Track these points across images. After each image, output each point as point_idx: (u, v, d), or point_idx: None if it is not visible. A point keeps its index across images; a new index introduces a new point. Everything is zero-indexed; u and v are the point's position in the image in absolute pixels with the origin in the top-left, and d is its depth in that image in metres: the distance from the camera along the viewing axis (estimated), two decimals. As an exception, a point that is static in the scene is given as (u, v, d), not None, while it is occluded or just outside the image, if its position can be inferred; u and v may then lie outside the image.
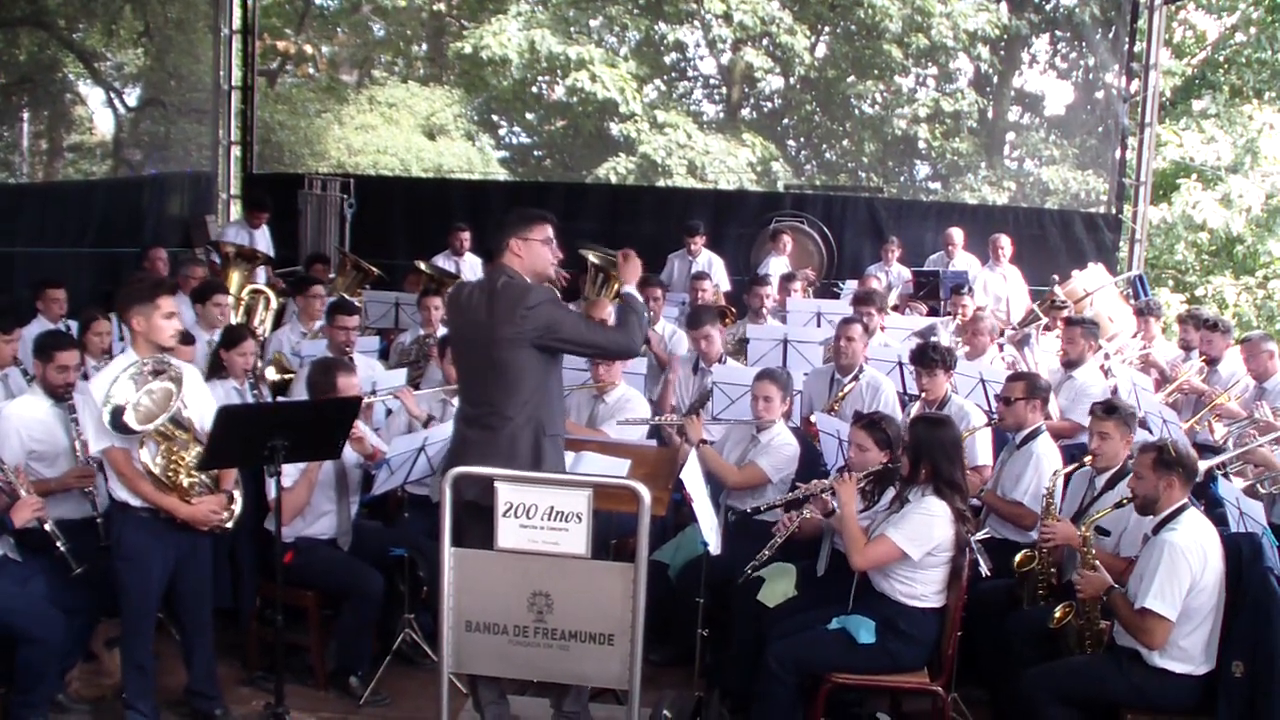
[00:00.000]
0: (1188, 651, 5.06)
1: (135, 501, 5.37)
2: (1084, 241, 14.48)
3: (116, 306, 6.08)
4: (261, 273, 11.22)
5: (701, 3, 21.40)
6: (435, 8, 24.13)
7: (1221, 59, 21.21)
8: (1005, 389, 6.80)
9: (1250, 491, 6.40)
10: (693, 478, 5.44)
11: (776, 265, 12.35)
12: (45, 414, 6.04)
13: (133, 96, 17.68)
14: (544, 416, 5.08)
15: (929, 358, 7.31)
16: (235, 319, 9.48)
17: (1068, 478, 6.15)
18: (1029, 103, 24.15)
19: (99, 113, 18.17)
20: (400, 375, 7.97)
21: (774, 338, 8.87)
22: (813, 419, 7.55)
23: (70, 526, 5.79)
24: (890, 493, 5.88)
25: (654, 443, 6.98)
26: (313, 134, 22.58)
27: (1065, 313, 10.30)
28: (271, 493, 5.53)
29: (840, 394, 7.89)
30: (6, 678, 5.49)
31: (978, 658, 5.91)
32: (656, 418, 7.47)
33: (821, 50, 23.40)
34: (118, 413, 5.13)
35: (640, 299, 5.49)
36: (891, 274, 12.61)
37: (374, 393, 7.36)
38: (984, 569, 5.63)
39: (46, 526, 5.58)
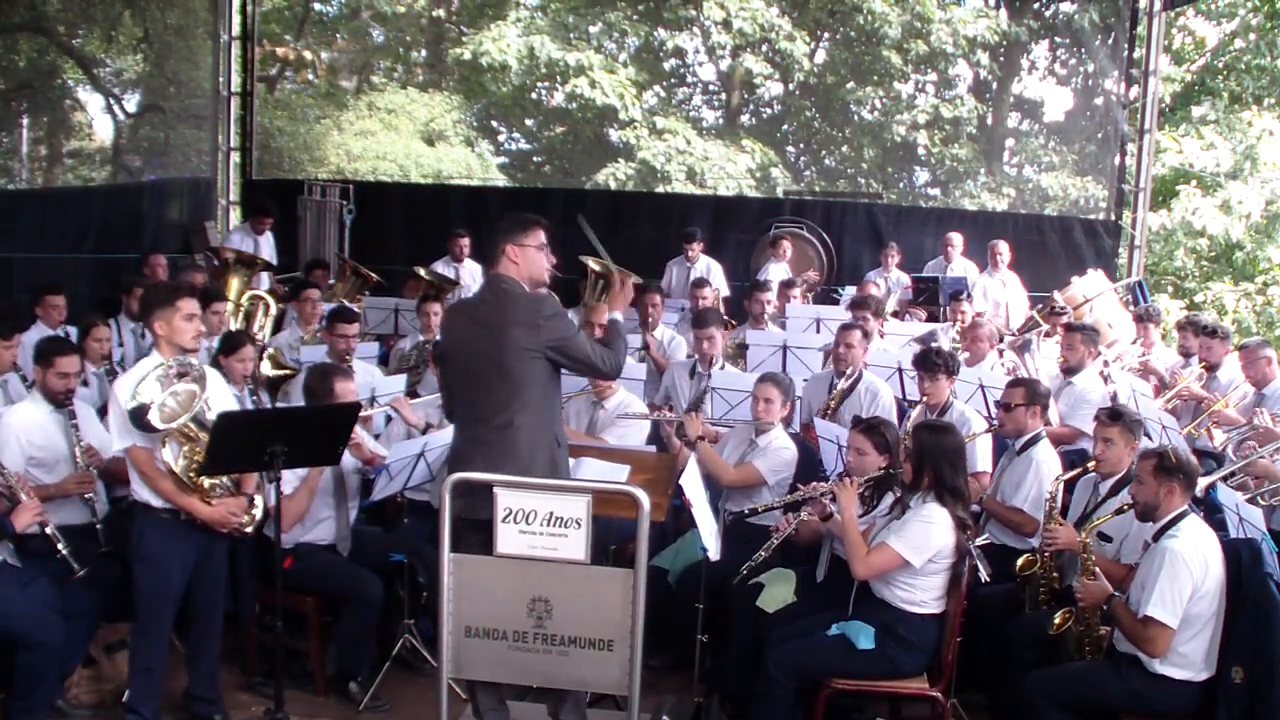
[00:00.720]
0: (1188, 658, 5.05)
1: (156, 502, 5.39)
2: (1083, 248, 14.47)
3: (140, 312, 6.09)
4: (264, 279, 11.22)
5: (701, 9, 21.41)
6: (435, 14, 24.14)
7: (1221, 65, 21.21)
8: (1005, 395, 6.79)
9: (1250, 501, 6.39)
10: (692, 483, 5.45)
11: (776, 271, 12.36)
12: (45, 420, 6.04)
13: (132, 102, 17.66)
14: (556, 427, 5.09)
15: (932, 363, 7.31)
16: (235, 325, 9.49)
17: (1069, 483, 6.15)
18: (1028, 109, 24.17)
19: (98, 118, 18.16)
20: (399, 381, 7.97)
21: (773, 343, 8.89)
22: (813, 425, 7.55)
23: (70, 532, 5.79)
24: (889, 498, 5.88)
25: (653, 448, 6.97)
26: (312, 140, 22.57)
27: (1065, 319, 10.30)
28: (271, 499, 5.54)
29: (833, 395, 7.89)
30: (6, 683, 5.49)
31: (978, 663, 5.91)
32: (655, 413, 7.48)
33: (821, 56, 23.41)
34: (141, 411, 5.14)
35: (622, 323, 5.55)
36: (891, 280, 12.62)
37: (373, 400, 7.36)
38: (983, 575, 5.63)
39: (48, 530, 5.58)
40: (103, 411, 6.93)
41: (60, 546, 5.59)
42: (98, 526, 6.09)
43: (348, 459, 6.18)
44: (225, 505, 5.47)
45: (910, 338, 9.64)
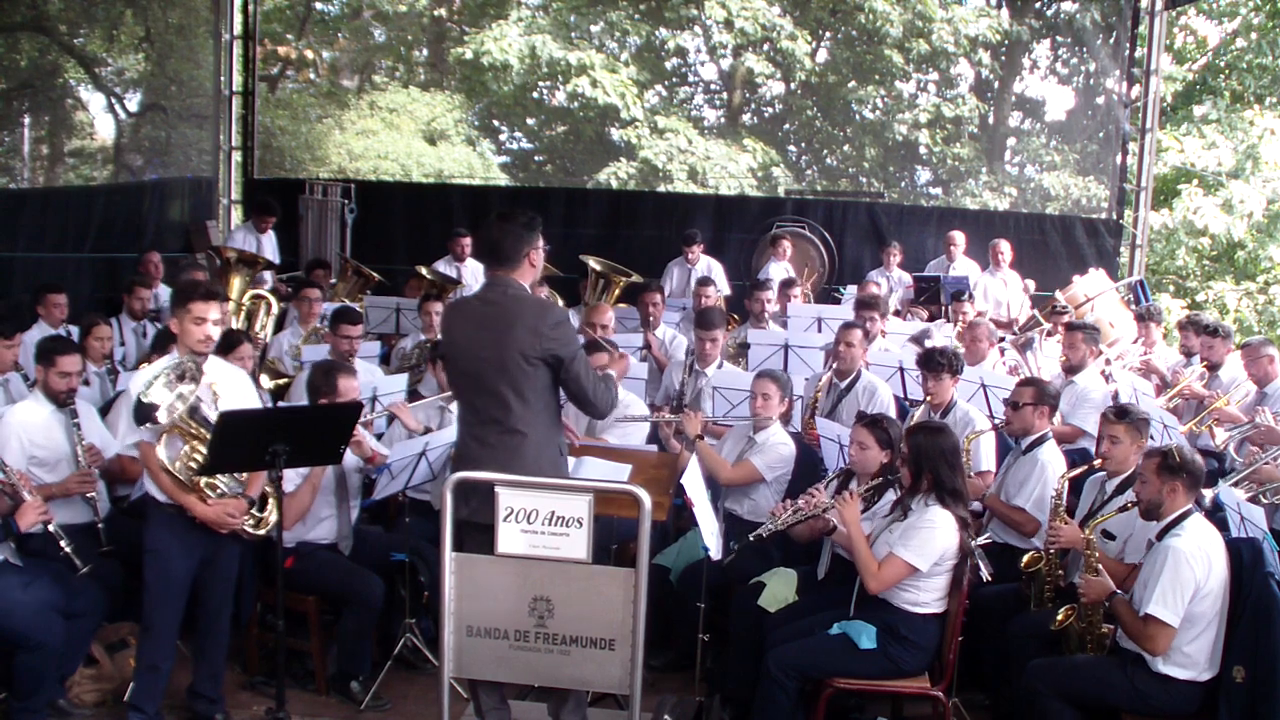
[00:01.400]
0: (1192, 657, 5.05)
1: (162, 497, 5.39)
2: (1085, 247, 14.48)
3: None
4: (267, 277, 11.22)
5: (702, 8, 21.42)
6: (436, 13, 24.16)
7: (1222, 64, 21.22)
8: (1014, 394, 6.78)
9: (1252, 500, 6.39)
10: (693, 482, 5.44)
11: (777, 270, 12.36)
12: (46, 419, 6.05)
13: (134, 102, 17.65)
14: (557, 434, 5.09)
15: (936, 362, 7.31)
16: (237, 324, 9.49)
17: (1073, 481, 6.14)
18: (1030, 108, 24.17)
19: (100, 118, 18.14)
20: (401, 380, 7.96)
21: (774, 343, 8.88)
22: (814, 423, 7.55)
23: (72, 531, 5.80)
24: (890, 495, 5.87)
25: (655, 448, 6.97)
26: (314, 139, 22.58)
27: (1066, 318, 10.30)
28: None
29: (819, 387, 7.93)
30: (7, 682, 5.50)
31: (980, 662, 5.91)
32: (654, 414, 7.47)
33: (822, 56, 23.41)
34: (147, 408, 5.15)
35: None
36: (892, 279, 12.63)
37: (374, 398, 7.36)
38: (985, 574, 5.63)
39: (51, 528, 5.59)
40: (104, 410, 6.94)
41: (63, 544, 5.59)
42: (99, 526, 6.10)
43: (349, 457, 6.17)
44: (223, 505, 5.44)
45: (907, 337, 9.64)
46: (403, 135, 22.83)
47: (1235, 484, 6.66)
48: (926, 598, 5.42)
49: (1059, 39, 22.79)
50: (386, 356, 9.62)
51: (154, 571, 5.45)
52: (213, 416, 5.31)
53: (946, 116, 22.27)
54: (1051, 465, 6.38)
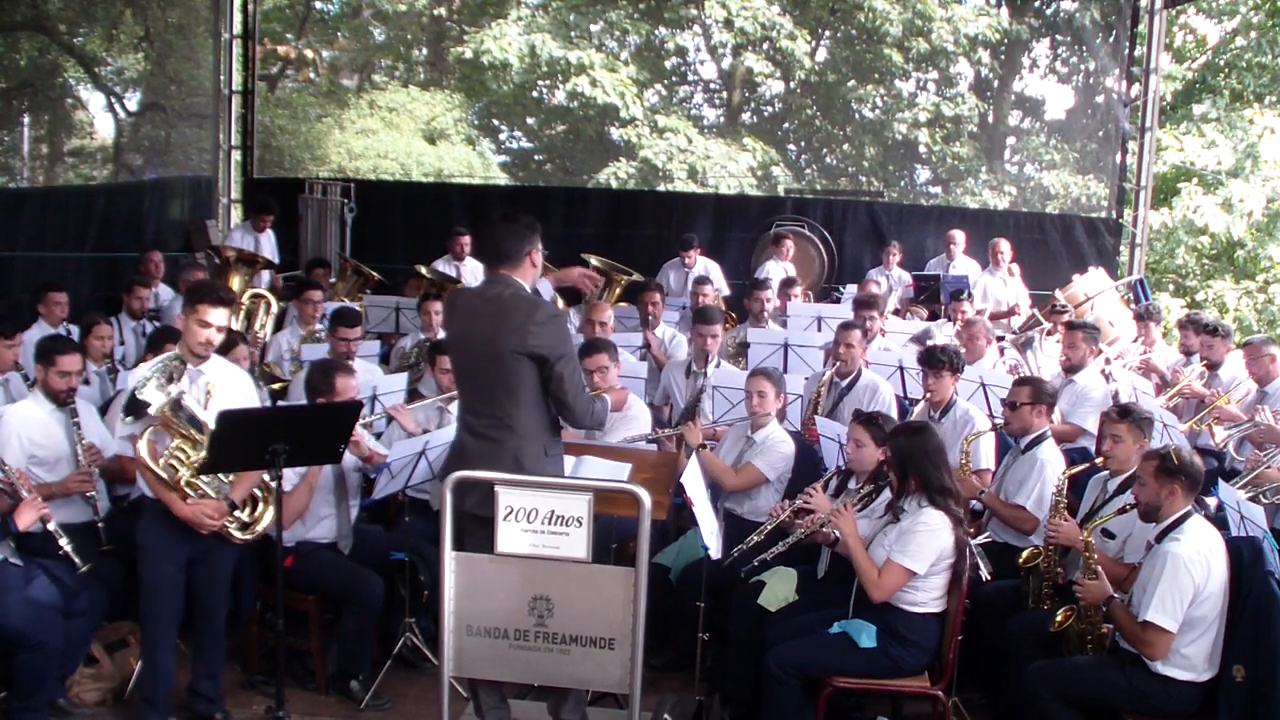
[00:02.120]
0: (1191, 660, 5.04)
1: (151, 494, 5.40)
2: (1084, 246, 14.46)
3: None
4: (265, 277, 11.22)
5: (702, 8, 21.42)
6: (436, 12, 24.16)
7: (1222, 63, 21.20)
8: (1011, 393, 6.78)
9: (1252, 499, 6.39)
10: (693, 482, 5.44)
11: (775, 270, 12.35)
12: (46, 418, 6.05)
13: (133, 101, 17.67)
14: (548, 433, 5.08)
15: (936, 359, 7.31)
16: (236, 323, 9.49)
17: (1076, 480, 6.13)
18: (1029, 107, 24.18)
19: (99, 117, 18.18)
20: (401, 380, 7.96)
21: (774, 342, 8.88)
22: (814, 422, 7.55)
23: (71, 531, 5.80)
24: (886, 494, 5.87)
25: (655, 447, 6.97)
26: (313, 139, 22.59)
27: (1066, 317, 10.30)
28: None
29: (819, 386, 7.96)
30: (7, 682, 5.50)
31: (979, 661, 5.91)
32: (654, 432, 7.43)
33: (822, 55, 23.41)
34: (141, 405, 5.15)
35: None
36: (892, 278, 12.63)
37: (373, 397, 7.35)
38: (984, 574, 5.64)
39: (50, 526, 5.58)
40: (104, 410, 6.94)
41: (63, 542, 5.58)
42: (99, 525, 6.10)
43: (348, 457, 6.17)
44: (200, 506, 5.43)
45: (908, 337, 9.64)
46: (402, 135, 22.83)
47: (1244, 487, 6.66)
48: (925, 597, 5.41)
49: (1059, 38, 22.80)
50: (386, 356, 9.62)
51: (145, 566, 5.49)
52: (201, 416, 5.33)
53: (946, 115, 22.28)
54: (1051, 464, 6.38)
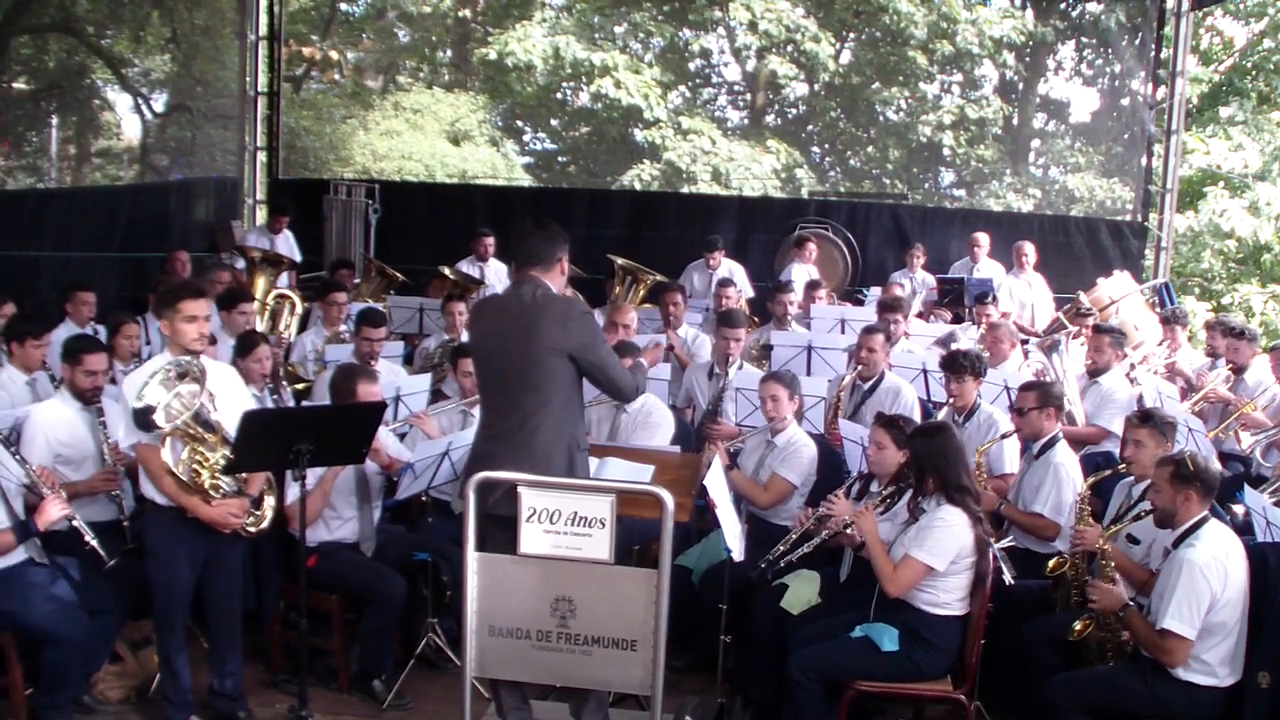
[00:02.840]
0: (1210, 665, 5.01)
1: (161, 500, 5.43)
2: (1109, 249, 14.40)
3: (154, 312, 6.13)
4: (284, 278, 11.26)
5: (726, 10, 21.41)
6: (460, 14, 24.20)
7: (1249, 65, 21.08)
8: (1018, 399, 6.76)
9: (1278, 504, 6.35)
10: (716, 484, 5.44)
11: (799, 272, 12.33)
12: (73, 417, 6.08)
13: (160, 102, 17.73)
14: (576, 430, 5.11)
15: (959, 365, 7.29)
16: (261, 324, 9.53)
17: (1095, 486, 6.10)
18: (1054, 110, 24.08)
19: (126, 118, 18.25)
20: (424, 380, 7.99)
21: (797, 344, 8.87)
22: (838, 424, 7.54)
23: (97, 529, 5.82)
24: (907, 496, 5.86)
25: (678, 449, 6.97)
26: (338, 139, 22.66)
27: (1091, 320, 10.25)
28: (294, 497, 5.57)
29: (840, 389, 7.95)
30: (32, 678, 5.54)
31: (995, 665, 5.87)
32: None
33: (846, 57, 23.34)
34: (146, 412, 5.17)
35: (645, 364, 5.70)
36: (916, 281, 12.59)
37: (397, 398, 7.37)
38: (1007, 577, 5.62)
39: (75, 522, 5.59)
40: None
41: (88, 538, 5.59)
42: (124, 524, 6.13)
43: (369, 462, 6.20)
44: (226, 506, 5.48)
45: (933, 340, 9.61)
46: (427, 136, 22.87)
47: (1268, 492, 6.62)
48: (947, 598, 5.39)
49: (1084, 40, 22.69)
50: (410, 356, 9.64)
51: (157, 573, 5.52)
52: (214, 418, 5.35)
53: (970, 118, 22.19)
54: (1065, 466, 6.36)
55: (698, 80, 24.61)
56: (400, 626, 6.41)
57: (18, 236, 11.19)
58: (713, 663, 5.96)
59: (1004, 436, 6.88)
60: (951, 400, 7.35)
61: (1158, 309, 12.00)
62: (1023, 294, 12.26)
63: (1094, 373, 8.18)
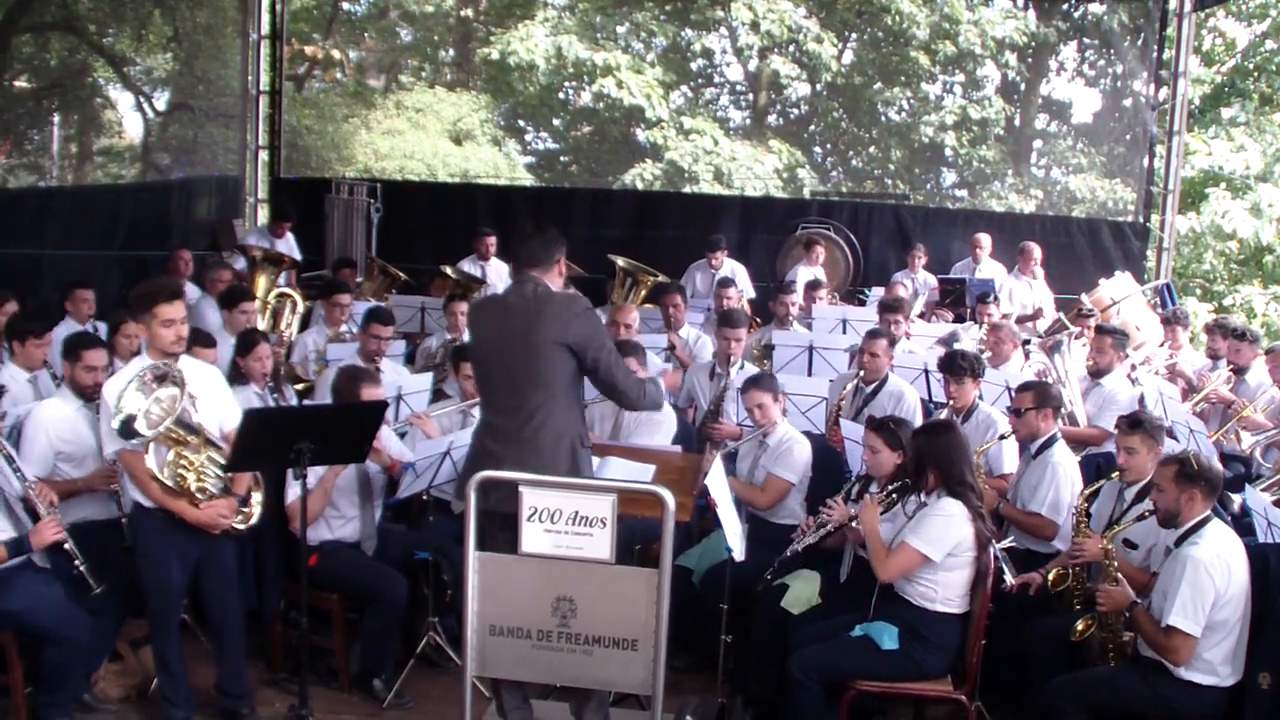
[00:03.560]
0: (1212, 664, 5.02)
1: (149, 503, 5.43)
2: (1111, 250, 14.40)
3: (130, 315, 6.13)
4: (284, 278, 11.26)
5: (729, 10, 21.40)
6: (463, 13, 24.19)
7: (1251, 66, 21.05)
8: (1015, 400, 6.76)
9: (1278, 505, 6.35)
10: (717, 484, 5.44)
11: (806, 274, 12.31)
12: (73, 415, 6.08)
13: (162, 101, 17.72)
14: (579, 426, 5.12)
15: (957, 366, 7.29)
16: (262, 322, 9.52)
17: (1094, 495, 6.09)
18: (1056, 110, 24.04)
19: (128, 117, 18.23)
20: (426, 380, 7.99)
21: (799, 344, 8.86)
22: (839, 425, 7.53)
23: (96, 527, 5.85)
24: (911, 500, 5.86)
25: (679, 448, 6.96)
26: (340, 139, 22.64)
27: (1092, 321, 10.24)
28: (294, 496, 5.57)
29: (843, 394, 7.95)
30: (33, 677, 5.54)
31: (1002, 666, 5.87)
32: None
33: (848, 57, 23.32)
34: (128, 422, 5.17)
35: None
36: (917, 281, 12.58)
37: (399, 397, 7.37)
38: (1008, 578, 5.61)
39: (66, 547, 5.56)
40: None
41: (78, 563, 5.57)
42: (123, 522, 6.12)
43: (370, 462, 6.21)
44: (214, 507, 5.48)
45: (935, 340, 9.60)
46: (428, 135, 22.86)
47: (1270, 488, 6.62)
48: (946, 594, 5.40)
49: (1086, 41, 22.66)
50: (411, 356, 9.64)
51: (150, 576, 5.53)
52: (196, 420, 5.36)
53: (972, 118, 22.16)
54: (1064, 466, 6.38)
55: (700, 80, 24.59)
56: (401, 625, 6.41)
57: (19, 235, 11.20)
58: (713, 663, 5.96)
59: (1002, 437, 6.88)
60: (951, 402, 7.35)
61: (1159, 310, 12.00)
62: (1023, 295, 12.26)
63: (1096, 374, 8.19)
